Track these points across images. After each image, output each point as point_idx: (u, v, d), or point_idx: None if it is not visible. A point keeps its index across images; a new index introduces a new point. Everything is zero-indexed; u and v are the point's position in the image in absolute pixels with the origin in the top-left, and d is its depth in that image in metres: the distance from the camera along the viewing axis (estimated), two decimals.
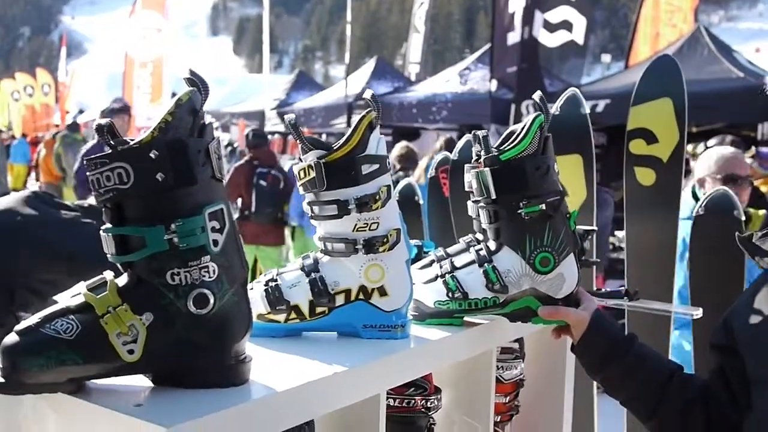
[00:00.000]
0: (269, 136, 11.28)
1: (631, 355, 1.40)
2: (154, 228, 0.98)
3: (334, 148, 1.28)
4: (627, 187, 2.30)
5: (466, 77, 11.15)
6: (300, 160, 1.31)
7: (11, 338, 0.97)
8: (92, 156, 0.96)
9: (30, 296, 3.12)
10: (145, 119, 16.68)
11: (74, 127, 12.72)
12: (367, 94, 1.30)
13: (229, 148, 12.07)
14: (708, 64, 7.97)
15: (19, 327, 0.98)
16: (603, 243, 5.42)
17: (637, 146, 2.25)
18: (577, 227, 1.89)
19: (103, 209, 1.00)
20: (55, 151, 11.75)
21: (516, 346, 1.80)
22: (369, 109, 1.30)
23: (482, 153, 1.44)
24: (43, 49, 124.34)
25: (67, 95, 23.78)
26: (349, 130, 1.29)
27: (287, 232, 6.99)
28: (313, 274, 1.32)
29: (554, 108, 2.38)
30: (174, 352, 1.01)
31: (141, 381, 1.04)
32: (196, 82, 1.03)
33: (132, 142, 0.98)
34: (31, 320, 0.99)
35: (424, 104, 10.77)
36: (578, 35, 9.33)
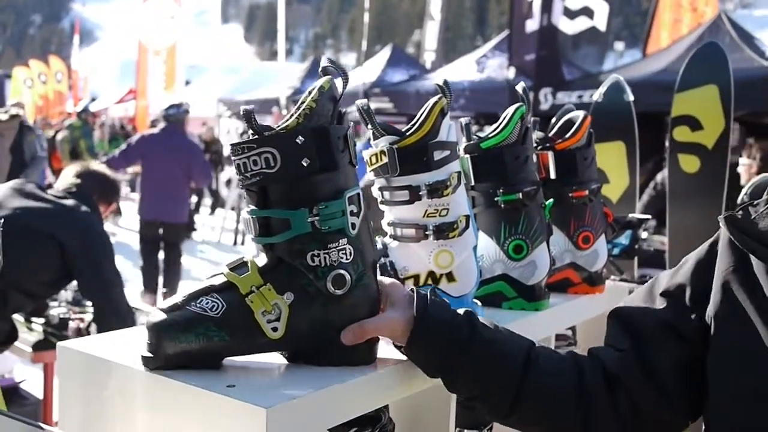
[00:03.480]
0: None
1: (477, 341, 1.12)
2: (298, 211, 1.01)
3: (407, 134, 1.29)
4: (670, 174, 2.30)
5: (484, 65, 11.10)
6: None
7: (158, 315, 1.02)
8: (238, 141, 0.99)
9: (24, 299, 3.17)
10: (159, 107, 16.77)
11: (83, 115, 12.78)
12: (440, 81, 1.31)
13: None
14: (730, 51, 7.88)
15: (164, 305, 1.02)
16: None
17: (682, 133, 2.25)
18: (630, 215, 1.91)
19: (247, 193, 1.03)
20: (68, 139, 11.80)
21: (569, 333, 1.82)
22: (440, 95, 1.30)
23: (464, 140, 1.48)
24: (54, 36, 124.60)
25: (82, 83, 23.87)
26: (422, 116, 1.29)
27: None
28: (382, 259, 1.33)
29: (597, 95, 2.38)
30: (312, 330, 1.04)
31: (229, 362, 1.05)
32: (335, 70, 1.05)
33: (277, 128, 1.00)
34: (175, 298, 1.03)
35: None
36: (600, 21, 9.27)
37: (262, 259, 1.05)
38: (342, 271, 1.03)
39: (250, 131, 1.00)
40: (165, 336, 1.00)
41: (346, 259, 1.04)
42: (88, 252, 3.13)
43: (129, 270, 8.80)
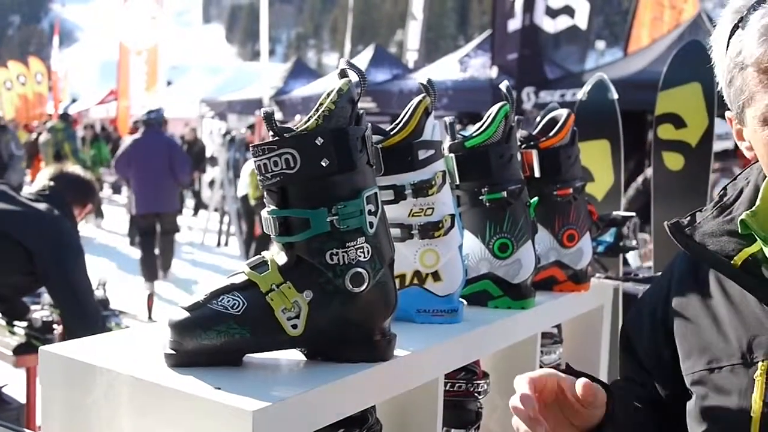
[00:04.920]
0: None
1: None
2: (317, 210, 1.03)
3: (391, 133, 1.28)
4: (655, 172, 2.31)
5: (466, 64, 11.14)
6: None
7: (180, 313, 1.04)
8: (259, 143, 1.02)
9: None
10: (140, 108, 16.65)
11: (67, 117, 12.65)
12: (423, 80, 1.30)
13: (228, 137, 12.03)
14: None
15: (185, 303, 1.04)
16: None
17: (666, 131, 2.27)
18: (615, 213, 1.92)
19: (267, 193, 1.05)
20: (51, 142, 11.67)
21: (555, 330, 1.82)
22: (424, 94, 1.30)
23: (449, 139, 1.48)
24: (33, 37, 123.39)
25: (62, 85, 23.67)
26: (406, 116, 1.29)
27: None
28: None
29: (581, 93, 2.39)
30: (331, 327, 1.06)
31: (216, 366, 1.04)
32: (353, 73, 1.08)
33: (298, 129, 1.02)
34: (196, 297, 1.05)
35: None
36: (581, 20, 9.32)
37: (281, 258, 1.07)
38: (360, 270, 1.05)
39: (271, 132, 1.02)
40: (187, 333, 1.03)
41: (364, 257, 1.05)
42: (58, 258, 3.10)
43: (112, 271, 8.75)
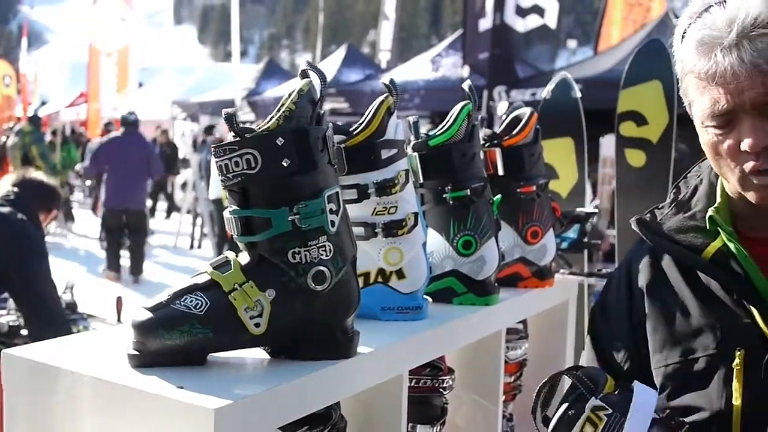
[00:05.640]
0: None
1: None
2: (279, 210, 1.04)
3: (354, 133, 1.30)
4: (618, 168, 2.35)
5: (438, 64, 11.17)
6: None
7: (143, 314, 1.04)
8: (220, 143, 1.03)
9: None
10: (111, 109, 16.47)
11: (35, 120, 12.49)
12: (386, 80, 1.32)
13: (210, 138, 11.98)
14: None
15: (148, 304, 1.05)
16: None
17: (628, 128, 2.31)
18: (578, 209, 1.95)
19: (229, 193, 1.06)
20: (19, 145, 11.50)
21: (520, 326, 1.85)
22: (386, 94, 1.32)
23: (412, 138, 1.50)
24: (1, 39, 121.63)
25: (31, 87, 23.37)
26: (368, 116, 1.31)
27: None
28: None
29: (545, 92, 2.42)
30: (294, 325, 1.07)
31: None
32: (314, 72, 1.09)
33: (259, 130, 1.04)
34: (160, 297, 1.06)
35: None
36: (551, 19, 9.39)
37: (244, 258, 1.08)
38: (322, 268, 1.06)
39: (232, 133, 1.03)
40: (150, 334, 1.03)
41: (326, 255, 1.07)
42: (22, 262, 3.08)
43: (82, 275, 8.66)
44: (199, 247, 11.42)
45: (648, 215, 1.27)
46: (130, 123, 8.76)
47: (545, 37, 9.96)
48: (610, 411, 1.08)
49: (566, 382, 1.17)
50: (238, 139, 1.03)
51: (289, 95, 1.06)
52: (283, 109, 1.05)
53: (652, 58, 2.21)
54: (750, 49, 1.01)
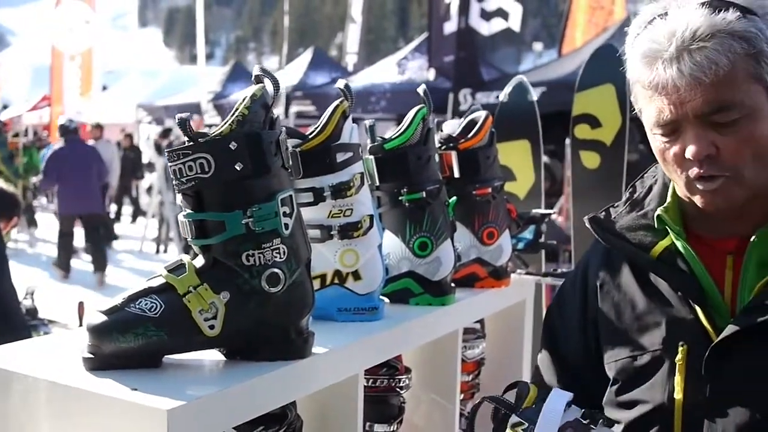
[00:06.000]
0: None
1: None
2: (232, 213, 1.06)
3: (309, 137, 1.32)
4: (573, 170, 2.40)
5: (404, 67, 11.20)
6: None
7: (98, 317, 1.05)
8: (173, 148, 1.04)
9: None
10: (75, 113, 16.26)
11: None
12: (340, 84, 1.34)
13: (165, 142, 11.88)
14: None
15: (103, 307, 1.06)
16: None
17: (582, 131, 2.36)
18: (534, 210, 1.99)
19: (183, 197, 1.08)
20: None
21: (478, 326, 1.88)
22: (342, 98, 1.34)
23: (368, 142, 1.53)
24: None
25: None
26: (324, 120, 1.33)
27: None
28: None
29: (502, 95, 2.47)
30: (248, 327, 1.09)
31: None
32: (267, 78, 1.10)
33: (212, 134, 1.05)
34: (114, 301, 1.07)
35: (363, 94, 10.76)
36: (514, 22, 9.49)
37: (199, 261, 1.10)
38: (276, 270, 1.08)
39: (186, 138, 1.05)
40: (104, 337, 1.05)
41: (280, 258, 1.08)
42: None
43: (44, 280, 8.55)
44: (165, 251, 11.32)
45: (603, 213, 1.31)
46: (70, 131, 9.01)
47: (510, 40, 10.05)
48: (526, 425, 1.16)
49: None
50: (191, 143, 1.05)
51: (243, 100, 1.08)
52: (236, 114, 1.06)
53: (606, 62, 2.26)
54: (689, 62, 1.04)
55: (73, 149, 8.92)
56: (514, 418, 1.18)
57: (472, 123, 1.79)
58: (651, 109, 1.12)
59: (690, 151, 1.08)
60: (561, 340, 1.38)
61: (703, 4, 1.07)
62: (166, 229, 11.22)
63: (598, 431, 1.13)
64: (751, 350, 1.10)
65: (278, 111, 11.84)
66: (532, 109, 2.32)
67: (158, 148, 12.35)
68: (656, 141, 1.15)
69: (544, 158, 7.29)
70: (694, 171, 1.10)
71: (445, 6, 9.49)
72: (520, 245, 1.99)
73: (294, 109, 12.04)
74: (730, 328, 1.10)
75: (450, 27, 9.41)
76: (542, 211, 1.97)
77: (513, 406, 1.20)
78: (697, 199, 1.13)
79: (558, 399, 1.16)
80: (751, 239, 1.13)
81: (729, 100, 1.06)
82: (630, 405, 1.20)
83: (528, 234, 1.97)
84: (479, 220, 1.75)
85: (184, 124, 1.05)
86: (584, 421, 1.14)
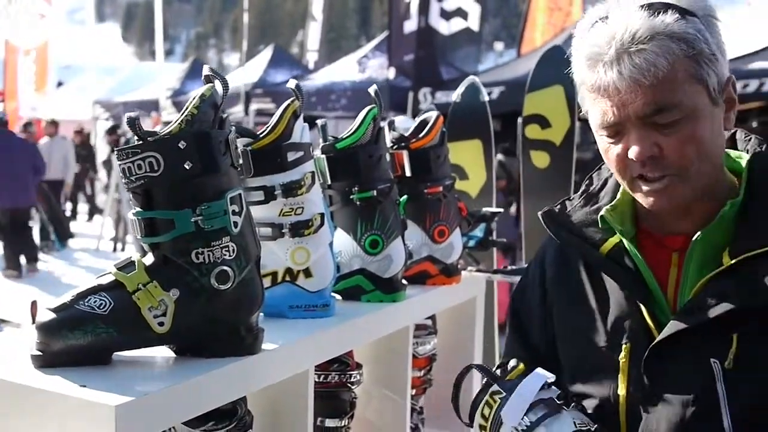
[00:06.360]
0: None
1: None
2: (182, 211, 1.07)
3: (261, 136, 1.34)
4: (523, 169, 2.45)
5: (365, 65, 11.24)
6: None
7: (46, 315, 1.05)
8: (123, 147, 1.05)
9: None
10: (30, 109, 15.95)
11: None
12: (291, 84, 1.37)
13: (123, 139, 11.72)
14: None
15: (52, 305, 1.06)
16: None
17: (532, 131, 2.41)
18: (484, 209, 2.03)
19: (132, 195, 1.09)
20: None
21: (429, 322, 1.91)
22: (293, 98, 1.36)
23: (320, 141, 1.55)
24: None
25: None
26: (275, 119, 1.35)
27: None
28: None
29: (455, 95, 2.51)
30: (197, 324, 1.10)
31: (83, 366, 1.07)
32: (217, 78, 1.12)
33: (161, 134, 1.06)
34: (63, 298, 1.07)
35: (323, 93, 10.78)
36: (473, 22, 9.57)
37: (149, 258, 1.11)
38: (225, 268, 1.10)
39: (135, 137, 1.06)
40: (53, 334, 1.05)
41: (229, 256, 1.10)
42: None
43: None
44: (123, 250, 11.16)
45: (558, 206, 1.32)
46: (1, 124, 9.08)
47: (469, 40, 10.13)
48: (504, 394, 1.20)
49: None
50: (140, 142, 1.06)
51: (192, 100, 1.09)
52: (185, 113, 1.08)
53: (555, 64, 2.31)
54: (629, 65, 1.06)
55: (1, 140, 8.88)
56: (494, 387, 1.22)
57: (424, 123, 1.83)
58: (596, 111, 1.14)
59: (633, 152, 1.10)
60: (524, 326, 1.39)
61: (642, 6, 1.09)
62: (123, 227, 11.08)
63: (569, 413, 1.16)
64: (689, 349, 1.12)
65: (238, 108, 11.77)
66: (484, 109, 2.36)
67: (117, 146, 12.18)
68: (602, 142, 1.18)
69: (500, 156, 7.35)
70: (637, 172, 1.12)
71: (405, 5, 9.54)
72: (471, 243, 2.03)
73: (254, 106, 11.97)
74: (668, 329, 1.13)
75: (410, 26, 9.47)
76: (493, 209, 2.02)
77: (496, 377, 1.24)
78: (641, 198, 1.15)
79: (537, 376, 1.20)
80: (693, 238, 1.14)
81: (669, 101, 1.08)
82: (579, 397, 1.23)
83: (479, 232, 2.01)
84: (430, 218, 1.79)
85: (133, 123, 1.06)
86: (558, 402, 1.17)
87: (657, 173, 1.11)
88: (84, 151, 13.78)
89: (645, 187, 1.13)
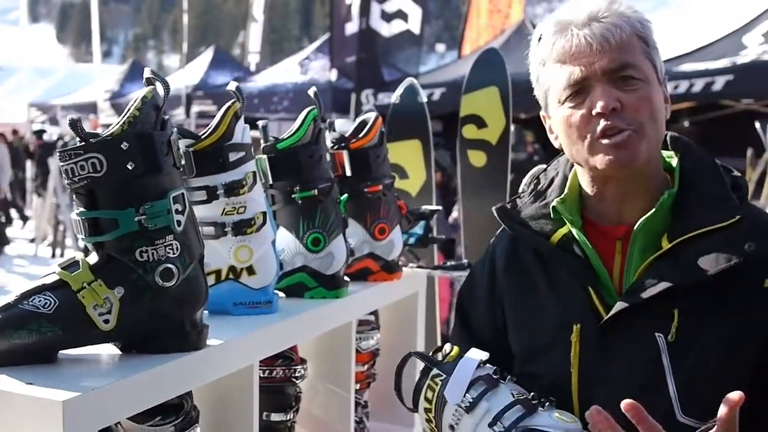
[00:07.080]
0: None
1: None
2: (125, 211, 1.10)
3: (202, 137, 1.37)
4: (461, 169, 2.52)
5: (307, 67, 11.26)
6: None
7: None
8: (65, 148, 1.07)
9: None
10: None
11: None
12: (232, 87, 1.40)
13: (60, 142, 11.48)
14: None
15: None
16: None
17: (469, 131, 2.48)
18: (423, 207, 2.09)
19: (75, 195, 1.10)
20: None
21: (372, 318, 1.96)
22: (234, 99, 1.39)
23: (261, 141, 1.60)
24: None
25: None
26: (216, 120, 1.38)
27: None
28: None
29: (394, 97, 2.57)
30: (143, 321, 1.13)
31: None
32: (158, 81, 1.14)
33: (103, 135, 1.08)
34: (7, 298, 1.08)
35: (266, 94, 10.76)
36: (414, 25, 9.68)
37: (93, 258, 1.13)
38: (170, 265, 1.12)
39: (77, 138, 1.08)
40: None
41: (173, 253, 1.13)
42: None
43: None
44: (62, 255, 10.93)
45: (510, 203, 1.42)
46: None
47: (410, 42, 10.23)
48: (444, 376, 1.27)
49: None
50: (83, 144, 1.08)
51: (134, 102, 1.12)
52: (127, 115, 1.10)
53: (489, 66, 2.39)
54: (598, 26, 1.21)
55: None
56: (434, 371, 1.29)
57: (363, 123, 1.87)
58: (562, 76, 1.24)
59: (599, 105, 1.20)
60: (472, 318, 1.47)
61: None
62: (62, 232, 10.85)
63: (507, 386, 1.24)
64: (635, 326, 1.22)
65: (180, 111, 11.66)
66: (422, 110, 2.42)
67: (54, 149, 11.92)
68: (563, 111, 1.26)
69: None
70: (600, 126, 1.21)
71: (346, 7, 9.60)
72: (411, 240, 2.08)
73: (196, 108, 11.87)
74: (616, 307, 1.22)
75: (352, 28, 9.53)
76: (432, 207, 2.08)
77: (436, 361, 1.31)
78: (600, 160, 1.23)
79: (473, 356, 1.27)
80: (636, 225, 1.25)
81: (631, 60, 1.22)
82: (532, 378, 1.30)
83: (418, 229, 2.06)
84: (371, 216, 1.83)
85: (75, 125, 1.08)
86: (495, 377, 1.25)
87: (618, 125, 1.21)
88: (19, 155, 13.43)
89: (606, 142, 1.22)
